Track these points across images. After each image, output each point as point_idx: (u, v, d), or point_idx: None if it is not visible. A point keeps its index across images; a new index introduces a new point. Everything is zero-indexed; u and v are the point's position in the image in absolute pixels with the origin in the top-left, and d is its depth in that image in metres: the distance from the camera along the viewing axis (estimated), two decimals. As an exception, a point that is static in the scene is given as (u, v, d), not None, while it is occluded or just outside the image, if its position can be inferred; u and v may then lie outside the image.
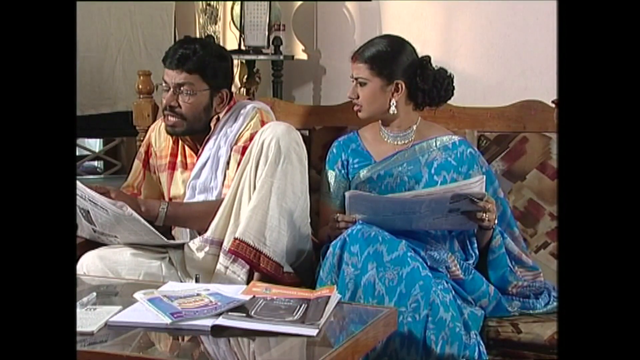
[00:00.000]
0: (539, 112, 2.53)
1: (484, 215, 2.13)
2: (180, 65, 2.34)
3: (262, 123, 2.37)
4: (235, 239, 2.18)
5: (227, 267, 2.21)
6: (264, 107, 2.47)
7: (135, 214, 2.21)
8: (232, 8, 3.85)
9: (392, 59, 2.35)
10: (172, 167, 2.49)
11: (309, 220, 2.33)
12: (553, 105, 2.50)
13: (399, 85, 2.35)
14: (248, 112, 2.41)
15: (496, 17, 3.35)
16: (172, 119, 2.38)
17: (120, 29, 3.58)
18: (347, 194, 2.18)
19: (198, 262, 2.26)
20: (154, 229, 2.26)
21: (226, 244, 2.22)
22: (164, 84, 2.39)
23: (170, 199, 2.48)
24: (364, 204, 2.15)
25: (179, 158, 2.49)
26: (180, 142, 2.50)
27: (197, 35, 3.95)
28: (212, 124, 2.41)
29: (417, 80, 2.35)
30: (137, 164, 2.58)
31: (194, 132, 2.42)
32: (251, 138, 2.31)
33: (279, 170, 2.18)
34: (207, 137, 2.41)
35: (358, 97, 2.37)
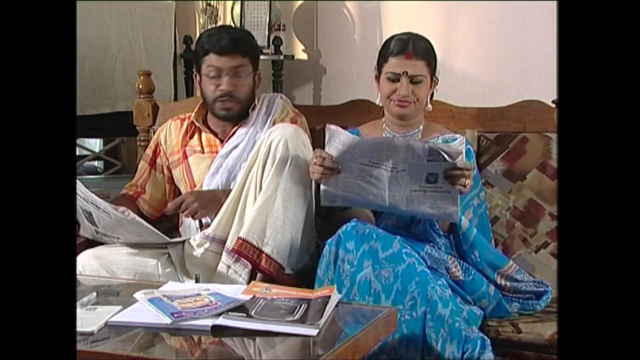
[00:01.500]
0: (539, 112, 2.53)
1: (465, 180, 2.07)
2: (235, 49, 2.39)
3: (293, 120, 2.46)
4: (239, 238, 2.18)
5: (229, 267, 2.21)
6: (285, 98, 2.56)
7: (137, 218, 2.22)
8: (232, 8, 3.85)
9: (435, 54, 2.35)
10: (185, 157, 2.49)
11: (314, 224, 2.33)
12: (553, 105, 2.50)
13: (436, 81, 2.37)
14: (278, 101, 2.50)
15: (496, 17, 3.35)
16: (229, 104, 2.42)
17: (120, 28, 3.58)
18: (328, 126, 2.13)
19: (198, 259, 2.27)
20: (156, 230, 2.26)
21: (230, 243, 2.22)
22: (211, 72, 2.41)
23: (194, 185, 2.48)
24: (341, 143, 2.09)
25: (196, 147, 2.50)
26: (196, 134, 2.50)
27: (198, 36, 3.96)
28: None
29: (438, 75, 2.38)
30: (143, 164, 2.60)
31: (243, 115, 2.46)
32: (291, 120, 2.45)
33: (286, 171, 2.18)
34: (238, 124, 2.47)
35: (413, 95, 2.31)
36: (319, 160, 2.11)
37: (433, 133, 2.40)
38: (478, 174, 2.38)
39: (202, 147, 2.50)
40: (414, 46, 2.31)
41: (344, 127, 2.54)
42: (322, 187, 2.14)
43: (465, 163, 2.08)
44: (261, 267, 2.17)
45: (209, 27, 3.89)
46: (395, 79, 2.31)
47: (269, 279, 2.13)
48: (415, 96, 2.31)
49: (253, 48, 2.46)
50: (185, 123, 2.54)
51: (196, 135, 2.52)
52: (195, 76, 2.50)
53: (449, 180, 2.07)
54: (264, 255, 2.16)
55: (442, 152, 2.02)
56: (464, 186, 2.07)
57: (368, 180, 2.09)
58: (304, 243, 2.28)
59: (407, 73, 2.30)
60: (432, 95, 2.40)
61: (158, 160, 2.57)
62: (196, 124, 2.50)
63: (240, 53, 2.40)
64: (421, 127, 2.39)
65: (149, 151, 2.60)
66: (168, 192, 2.58)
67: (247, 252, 2.17)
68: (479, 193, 2.36)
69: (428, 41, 2.36)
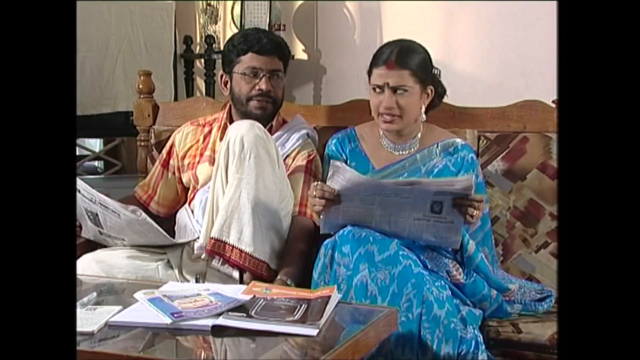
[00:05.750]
0: (539, 112, 2.53)
1: (474, 211, 2.05)
2: (276, 51, 2.43)
3: (310, 154, 2.44)
4: (211, 238, 2.18)
5: (218, 270, 2.21)
6: (314, 137, 2.53)
7: (148, 219, 2.23)
8: (232, 8, 3.86)
9: (426, 63, 2.27)
10: (197, 163, 2.50)
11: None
12: (553, 105, 2.50)
13: (429, 91, 2.29)
14: (302, 135, 2.48)
15: (496, 17, 3.36)
16: (265, 103, 2.43)
17: (120, 29, 3.58)
18: (332, 162, 2.12)
19: (194, 267, 2.27)
20: (164, 232, 2.28)
21: (204, 243, 2.22)
22: (250, 70, 2.41)
23: (197, 189, 2.48)
24: (346, 180, 2.08)
25: (208, 152, 2.50)
26: (208, 138, 2.51)
27: (198, 36, 3.96)
28: None
29: (439, 84, 2.31)
30: (157, 164, 2.61)
31: (274, 117, 2.47)
32: (295, 156, 2.43)
33: (247, 165, 2.17)
34: None
35: (398, 107, 2.24)
36: (319, 193, 2.10)
37: (432, 138, 2.35)
38: (482, 186, 2.33)
39: (214, 151, 2.48)
40: (398, 55, 2.22)
41: (344, 127, 2.55)
42: (322, 217, 2.14)
43: (476, 195, 2.05)
44: (232, 261, 2.16)
45: (209, 27, 3.90)
46: (380, 91, 2.25)
47: (257, 277, 2.12)
48: (401, 108, 2.24)
49: (288, 53, 2.52)
50: (205, 129, 2.54)
51: (211, 139, 2.51)
52: (222, 76, 2.50)
53: (457, 209, 2.05)
54: (235, 249, 2.16)
55: (451, 191, 2.02)
56: (472, 216, 2.05)
57: (370, 207, 2.08)
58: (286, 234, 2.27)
59: (388, 84, 2.23)
60: (433, 106, 2.35)
61: (171, 161, 2.58)
62: (227, 122, 2.50)
63: (278, 56, 2.43)
64: (419, 135, 2.34)
65: (163, 152, 2.60)
66: (180, 192, 2.58)
67: (219, 249, 2.17)
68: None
69: (421, 48, 2.29)
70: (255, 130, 2.21)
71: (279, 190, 2.24)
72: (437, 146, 2.33)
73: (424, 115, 2.31)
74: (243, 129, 2.20)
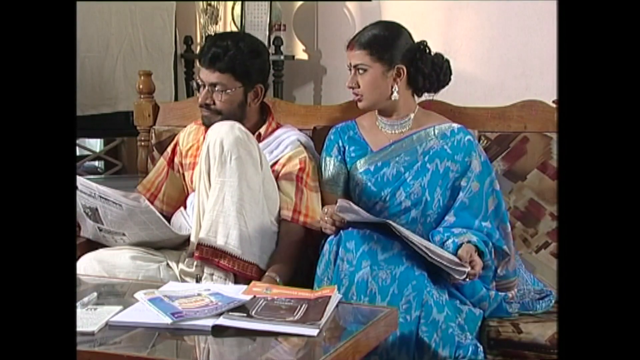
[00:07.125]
0: (539, 112, 2.53)
1: (474, 275, 2.08)
2: (212, 65, 2.35)
3: (301, 161, 2.38)
4: (199, 244, 2.18)
5: (212, 274, 2.20)
6: (307, 142, 2.48)
7: (151, 206, 2.22)
8: (232, 8, 3.86)
9: (391, 43, 2.30)
10: (193, 167, 2.50)
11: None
12: (554, 105, 2.50)
13: (401, 70, 2.30)
14: (293, 141, 2.43)
15: (497, 17, 3.36)
16: (206, 113, 2.41)
17: (120, 29, 3.58)
18: (338, 201, 2.12)
19: (191, 272, 2.27)
20: (166, 222, 2.28)
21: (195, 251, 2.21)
22: (199, 81, 2.41)
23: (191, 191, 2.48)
24: (354, 216, 2.11)
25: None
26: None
27: (198, 36, 3.96)
28: None
29: (418, 63, 2.31)
30: (162, 162, 2.59)
31: None
32: (284, 163, 2.37)
33: (228, 168, 2.16)
34: None
35: (358, 86, 2.31)
36: (329, 221, 2.13)
37: (429, 121, 2.37)
38: (487, 164, 2.35)
39: None
40: (358, 36, 2.31)
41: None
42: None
43: (471, 271, 2.06)
44: (222, 265, 2.16)
45: (210, 27, 3.90)
46: (352, 72, 2.34)
47: (247, 279, 2.11)
48: (361, 86, 2.30)
49: (237, 64, 2.36)
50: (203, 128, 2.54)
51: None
52: None
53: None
54: (223, 253, 2.16)
55: (442, 263, 2.04)
56: (474, 275, 2.08)
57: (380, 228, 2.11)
58: (274, 235, 2.27)
59: (350, 64, 2.32)
60: (419, 86, 2.34)
61: (175, 159, 2.57)
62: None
63: (216, 69, 2.35)
64: (412, 115, 2.36)
65: (169, 149, 2.60)
66: (186, 191, 2.57)
67: (208, 255, 2.16)
68: (492, 192, 2.31)
69: (386, 30, 2.32)
70: (235, 131, 2.19)
71: (263, 190, 2.23)
72: (434, 129, 2.34)
73: (396, 94, 2.31)
74: (222, 132, 2.19)
